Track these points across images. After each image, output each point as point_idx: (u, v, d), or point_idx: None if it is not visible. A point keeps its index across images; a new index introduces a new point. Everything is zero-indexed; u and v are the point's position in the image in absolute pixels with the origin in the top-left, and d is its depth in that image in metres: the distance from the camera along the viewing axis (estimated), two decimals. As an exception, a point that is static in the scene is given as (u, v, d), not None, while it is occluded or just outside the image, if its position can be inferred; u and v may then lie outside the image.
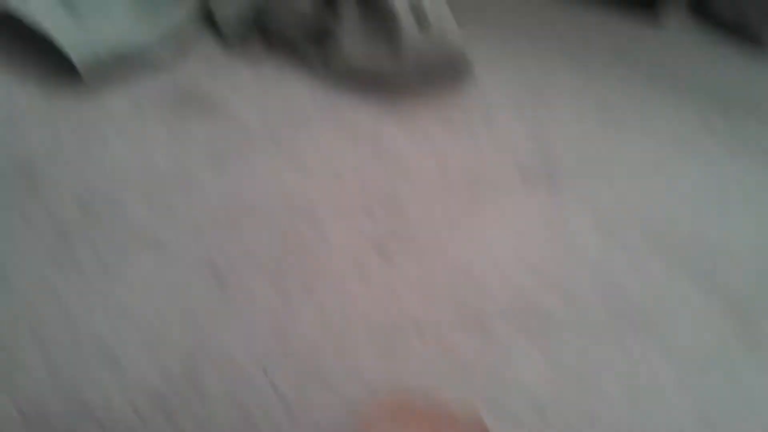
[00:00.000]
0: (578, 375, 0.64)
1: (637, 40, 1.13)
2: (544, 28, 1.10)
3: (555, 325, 0.67)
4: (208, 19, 0.90)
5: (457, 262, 0.72)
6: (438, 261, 0.72)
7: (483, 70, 1.00)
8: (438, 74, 0.94)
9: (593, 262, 0.77)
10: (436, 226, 0.76)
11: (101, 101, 0.75)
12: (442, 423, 0.29)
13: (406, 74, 0.90)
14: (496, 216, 0.82)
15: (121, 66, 0.78)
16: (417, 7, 0.87)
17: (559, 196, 0.86)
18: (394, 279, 0.69)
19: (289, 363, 0.59)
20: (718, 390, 0.63)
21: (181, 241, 0.66)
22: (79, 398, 0.53)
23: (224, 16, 0.86)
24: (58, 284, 0.59)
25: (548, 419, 0.58)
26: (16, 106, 0.70)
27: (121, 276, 0.61)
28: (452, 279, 0.70)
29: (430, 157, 0.85)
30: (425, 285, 0.69)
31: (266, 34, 0.90)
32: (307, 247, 0.70)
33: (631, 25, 1.15)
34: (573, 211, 0.85)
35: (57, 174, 0.66)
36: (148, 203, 0.67)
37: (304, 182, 0.76)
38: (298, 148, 0.79)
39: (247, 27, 0.88)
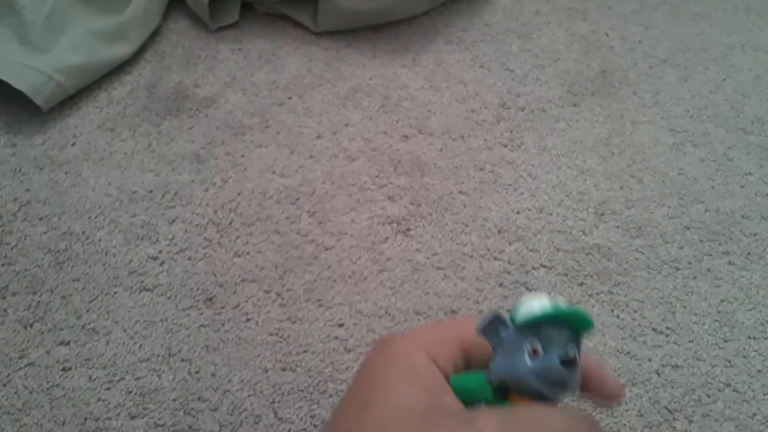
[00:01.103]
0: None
1: None
2: None
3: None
4: (178, 1, 0.78)
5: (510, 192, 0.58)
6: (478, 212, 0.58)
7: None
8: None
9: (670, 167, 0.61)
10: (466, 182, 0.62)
11: (69, 130, 0.65)
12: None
13: (412, 1, 0.74)
14: (546, 144, 0.66)
15: (83, 81, 0.68)
16: None
17: (621, 104, 0.69)
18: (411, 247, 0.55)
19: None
20: None
21: (170, 275, 0.55)
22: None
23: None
24: (31, 353, 0.51)
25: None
26: (-16, 160, 0.62)
27: (102, 332, 0.52)
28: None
29: (457, 96, 0.70)
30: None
31: (245, 4, 0.76)
32: (316, 255, 0.58)
33: None
34: (638, 117, 0.68)
35: (28, 229, 0.57)
36: (127, 238, 0.57)
37: (310, 168, 0.63)
38: (297, 131, 0.66)
39: (225, 3, 0.75)
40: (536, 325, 0.27)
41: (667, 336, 0.53)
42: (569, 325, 0.28)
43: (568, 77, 0.73)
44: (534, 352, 0.27)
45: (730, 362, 0.52)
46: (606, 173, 0.64)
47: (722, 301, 0.55)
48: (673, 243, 0.59)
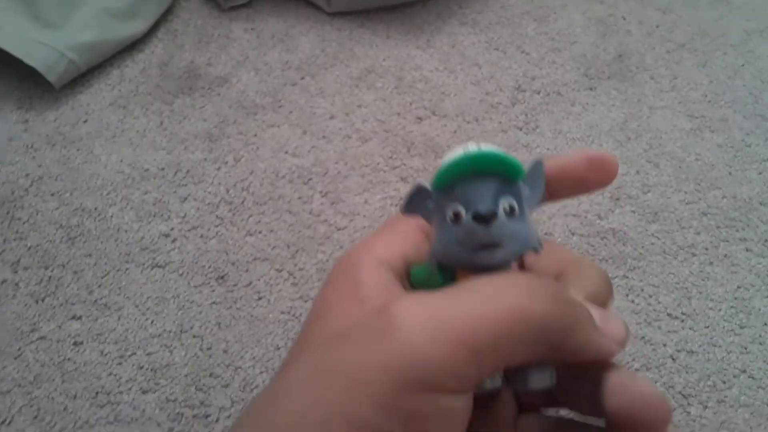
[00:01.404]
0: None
1: None
2: None
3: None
4: (192, -19, 0.77)
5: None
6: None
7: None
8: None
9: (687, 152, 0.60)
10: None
11: (81, 107, 0.65)
12: None
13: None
14: (562, 127, 0.65)
15: (96, 58, 0.67)
16: None
17: (637, 88, 0.68)
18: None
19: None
20: None
21: (182, 252, 0.55)
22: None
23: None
24: (43, 327, 0.50)
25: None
26: (-4, 136, 0.62)
27: (113, 307, 0.52)
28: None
29: (472, 78, 0.69)
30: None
31: (259, -19, 0.76)
32: (328, 235, 0.57)
33: None
34: (655, 102, 0.67)
35: (40, 204, 0.57)
36: (139, 215, 0.57)
37: (322, 148, 0.62)
38: (310, 111, 0.66)
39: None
40: (455, 185, 0.23)
41: (682, 321, 0.52)
42: (498, 174, 0.23)
43: (584, 61, 0.72)
44: (456, 217, 0.23)
45: (746, 348, 0.51)
46: (622, 157, 0.63)
47: (739, 287, 0.55)
48: (689, 228, 0.58)
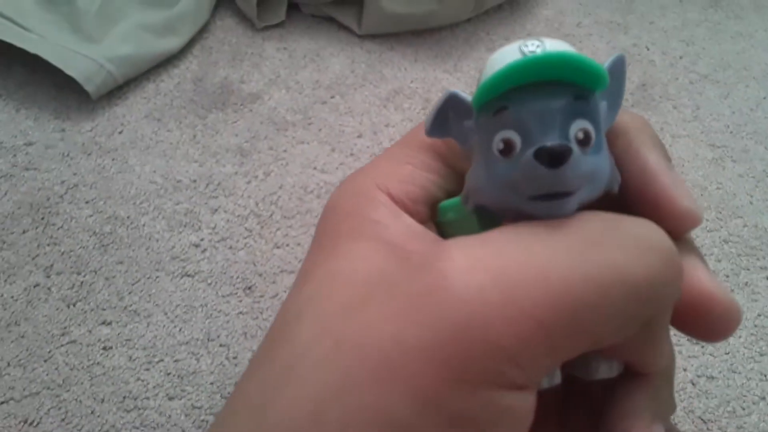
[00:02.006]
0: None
1: None
2: None
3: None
4: (227, 0, 0.79)
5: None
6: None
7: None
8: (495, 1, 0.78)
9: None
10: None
11: (117, 119, 0.67)
12: None
13: (455, 7, 0.75)
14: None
15: (133, 71, 0.69)
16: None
17: (660, 117, 0.69)
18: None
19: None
20: None
21: (211, 263, 0.56)
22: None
23: (241, -7, 0.75)
24: (73, 331, 0.52)
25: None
26: (34, 146, 0.63)
27: (143, 314, 0.53)
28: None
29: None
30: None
31: (291, 4, 0.78)
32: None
33: None
34: (678, 131, 0.68)
35: (74, 211, 0.59)
36: (170, 224, 0.58)
37: (350, 165, 0.64)
38: (339, 129, 0.67)
39: (272, 3, 0.77)
40: (507, 100, 0.16)
41: (702, 347, 0.53)
42: (571, 84, 0.16)
43: (608, 89, 0.73)
44: (507, 148, 0.16)
45: (765, 376, 0.52)
46: (644, 184, 0.64)
47: (759, 315, 0.55)
48: (710, 256, 0.59)
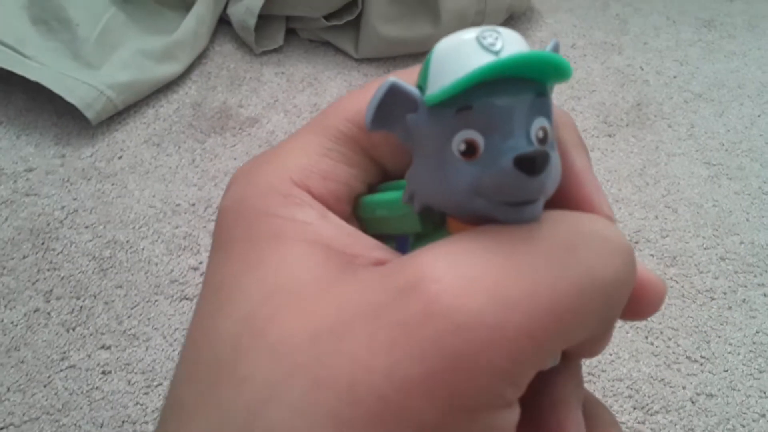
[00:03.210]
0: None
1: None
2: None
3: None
4: (225, 25, 0.80)
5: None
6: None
7: (543, 7, 0.85)
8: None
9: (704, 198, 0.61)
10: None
11: (117, 144, 0.67)
12: None
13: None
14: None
15: (132, 97, 0.70)
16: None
17: (656, 136, 0.70)
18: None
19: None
20: None
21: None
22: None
23: (239, 19, 0.76)
24: (73, 355, 0.52)
25: None
26: (35, 172, 0.64)
27: (142, 338, 0.53)
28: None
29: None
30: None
31: (289, 30, 0.79)
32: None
33: None
34: (673, 149, 0.69)
35: (74, 236, 0.59)
36: (169, 248, 0.59)
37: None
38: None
39: (270, 28, 0.78)
40: (469, 98, 0.15)
41: (701, 365, 0.53)
42: (528, 76, 0.15)
43: (603, 108, 0.74)
44: (469, 149, 0.15)
45: (765, 393, 0.52)
46: (641, 203, 0.64)
47: (757, 332, 0.55)
48: (707, 273, 0.59)
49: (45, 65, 0.68)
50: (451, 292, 0.14)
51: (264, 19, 0.76)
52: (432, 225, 0.17)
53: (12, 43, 0.68)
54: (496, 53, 0.15)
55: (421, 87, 0.16)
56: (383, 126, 0.16)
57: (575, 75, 0.78)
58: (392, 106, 0.16)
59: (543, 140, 0.15)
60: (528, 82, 0.15)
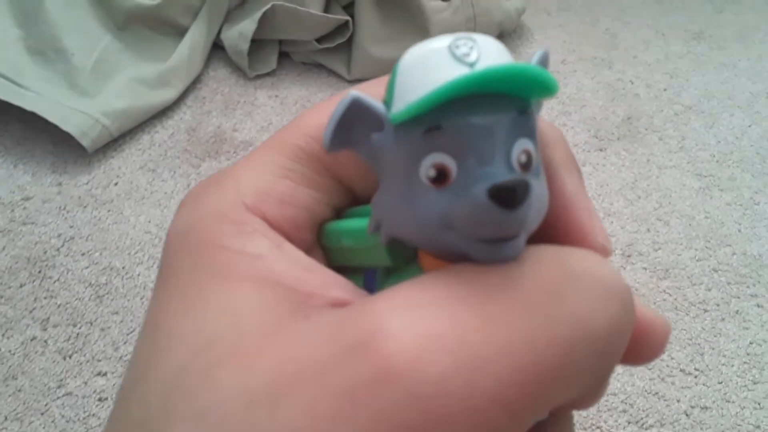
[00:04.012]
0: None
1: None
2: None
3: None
4: (219, 50, 0.82)
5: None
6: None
7: (534, 24, 0.86)
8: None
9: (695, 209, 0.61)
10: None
11: (113, 171, 0.68)
12: None
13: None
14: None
15: (128, 124, 0.71)
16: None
17: (647, 149, 0.70)
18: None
19: None
20: None
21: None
22: None
23: (232, 43, 0.77)
24: (70, 383, 0.52)
25: None
26: (31, 201, 0.65)
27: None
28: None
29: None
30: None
31: (282, 53, 0.80)
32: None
33: None
34: (664, 162, 0.69)
35: (70, 264, 0.60)
36: (166, 273, 0.59)
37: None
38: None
39: (263, 52, 0.79)
40: (440, 114, 0.13)
41: (695, 377, 0.53)
42: (508, 91, 0.13)
43: (594, 123, 0.74)
44: (439, 175, 0.13)
45: (759, 404, 0.52)
46: (633, 216, 0.64)
47: (751, 343, 0.55)
48: (700, 285, 0.59)
49: (41, 95, 0.69)
50: (408, 353, 0.12)
51: (257, 43, 0.77)
52: (403, 258, 0.16)
53: (8, 74, 0.69)
54: (471, 65, 0.13)
55: (387, 103, 0.14)
56: (345, 146, 0.14)
57: (566, 90, 0.78)
58: (354, 123, 0.14)
59: (526, 165, 0.13)
60: (509, 98, 0.13)
